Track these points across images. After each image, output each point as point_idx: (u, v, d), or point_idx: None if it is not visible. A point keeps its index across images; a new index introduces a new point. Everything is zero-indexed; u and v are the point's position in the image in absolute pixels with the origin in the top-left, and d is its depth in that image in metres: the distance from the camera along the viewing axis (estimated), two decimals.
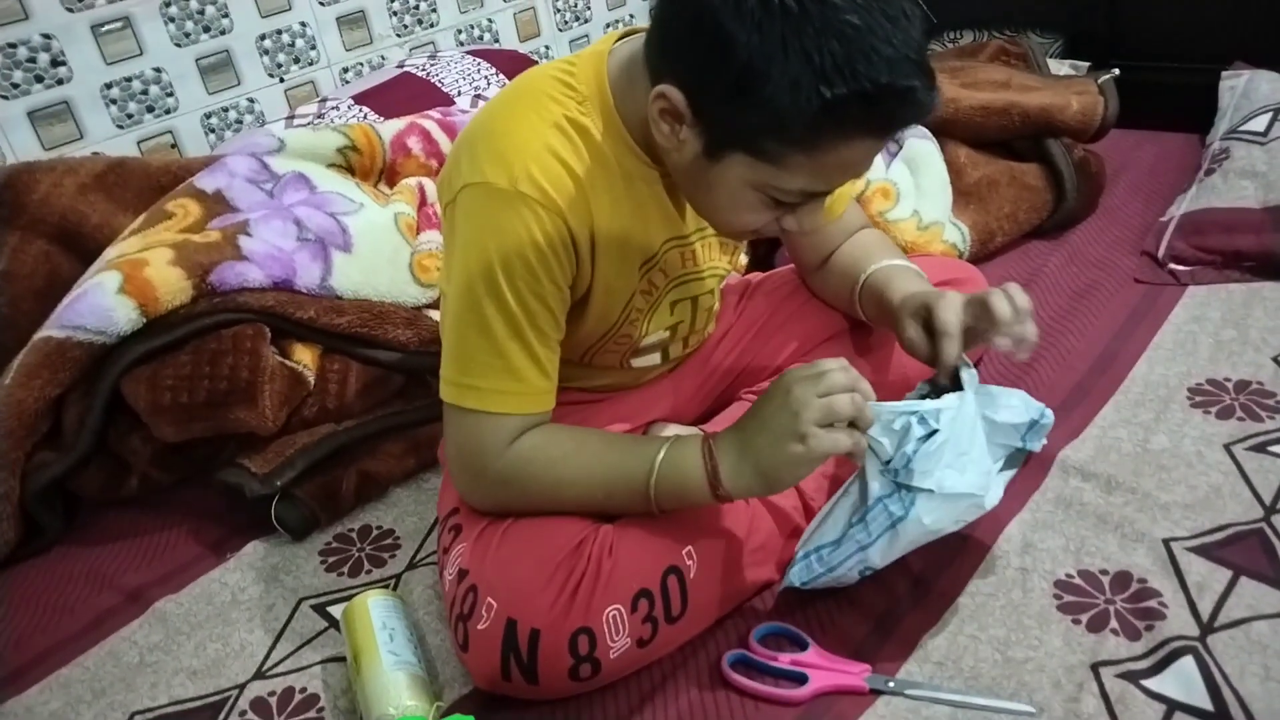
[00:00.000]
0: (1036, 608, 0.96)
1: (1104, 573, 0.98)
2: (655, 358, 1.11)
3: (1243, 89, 1.83)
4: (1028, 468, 1.12)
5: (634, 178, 0.92)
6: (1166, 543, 1.00)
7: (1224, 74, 1.91)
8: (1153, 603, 0.94)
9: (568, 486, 0.93)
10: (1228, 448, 1.13)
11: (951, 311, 0.93)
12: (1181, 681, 0.86)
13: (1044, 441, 0.98)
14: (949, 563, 1.02)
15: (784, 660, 0.92)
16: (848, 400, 0.83)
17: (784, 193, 0.83)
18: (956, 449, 0.89)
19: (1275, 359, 1.27)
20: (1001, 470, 0.97)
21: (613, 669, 0.90)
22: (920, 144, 1.67)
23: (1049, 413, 0.98)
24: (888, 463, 0.88)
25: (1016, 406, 0.96)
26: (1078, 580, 0.98)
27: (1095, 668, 0.89)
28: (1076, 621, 0.94)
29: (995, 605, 0.97)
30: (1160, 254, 1.54)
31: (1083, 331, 1.39)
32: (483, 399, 0.90)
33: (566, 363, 0.99)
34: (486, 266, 0.87)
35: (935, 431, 0.87)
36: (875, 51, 0.73)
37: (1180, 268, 1.51)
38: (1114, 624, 0.93)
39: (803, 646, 0.94)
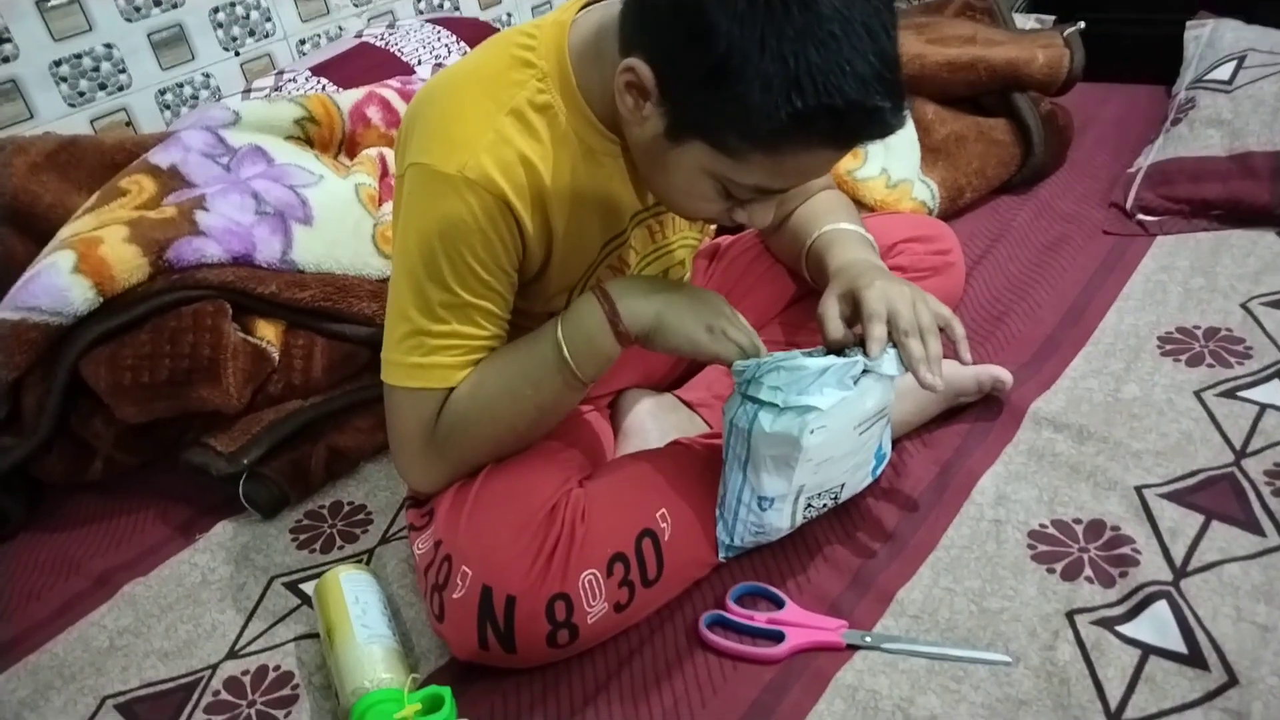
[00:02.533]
0: (1011, 558, 0.96)
1: (1077, 522, 0.99)
2: None
3: (1207, 38, 1.82)
4: (1000, 420, 1.13)
5: (596, 153, 0.91)
6: (1139, 490, 1.01)
7: (1189, 24, 1.91)
8: (1126, 549, 0.95)
9: (499, 400, 0.92)
10: (1198, 394, 1.13)
11: (880, 301, 0.91)
12: (1156, 626, 0.87)
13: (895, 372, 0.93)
14: (924, 517, 1.02)
15: (761, 619, 0.92)
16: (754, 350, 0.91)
17: (738, 187, 0.83)
18: (823, 384, 0.88)
19: (1243, 305, 1.27)
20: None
21: (591, 634, 0.90)
22: None
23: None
24: (746, 380, 0.90)
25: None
26: (1051, 530, 0.98)
27: (1070, 615, 0.89)
28: (1051, 571, 0.94)
29: (970, 557, 0.97)
30: (1128, 205, 1.54)
31: (1053, 284, 1.39)
32: (428, 376, 0.91)
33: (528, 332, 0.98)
34: (429, 248, 0.86)
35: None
36: (850, 66, 0.72)
37: (1148, 218, 1.51)
38: (1088, 572, 0.93)
39: (779, 605, 0.94)
